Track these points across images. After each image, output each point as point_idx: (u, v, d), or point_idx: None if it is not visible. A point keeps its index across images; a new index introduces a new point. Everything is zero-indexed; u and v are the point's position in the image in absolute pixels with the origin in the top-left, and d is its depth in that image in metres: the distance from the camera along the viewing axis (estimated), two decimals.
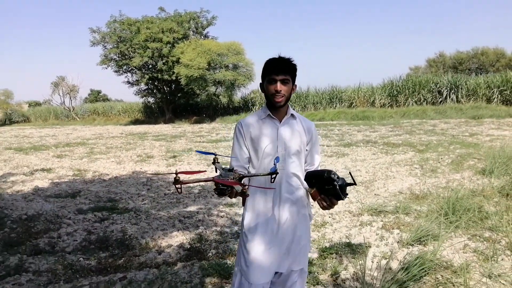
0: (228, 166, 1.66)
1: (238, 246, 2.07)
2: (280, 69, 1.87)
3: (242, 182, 1.60)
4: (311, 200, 1.97)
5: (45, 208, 5.43)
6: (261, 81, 1.98)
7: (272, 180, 1.66)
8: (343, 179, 1.70)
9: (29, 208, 5.40)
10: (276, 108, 1.94)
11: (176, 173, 1.41)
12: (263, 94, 2.02)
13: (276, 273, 2.00)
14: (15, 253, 3.82)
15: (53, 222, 4.82)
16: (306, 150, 2.05)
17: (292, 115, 2.00)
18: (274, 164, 1.67)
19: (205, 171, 1.56)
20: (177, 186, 1.41)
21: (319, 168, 2.08)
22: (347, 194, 1.73)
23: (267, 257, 1.93)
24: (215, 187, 1.54)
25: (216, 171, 1.62)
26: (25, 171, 8.73)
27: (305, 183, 2.00)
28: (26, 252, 3.85)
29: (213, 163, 1.66)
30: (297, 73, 1.95)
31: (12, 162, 10.16)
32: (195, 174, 1.50)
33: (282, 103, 1.90)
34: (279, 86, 1.86)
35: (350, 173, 1.93)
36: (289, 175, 1.95)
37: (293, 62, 1.91)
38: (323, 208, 1.85)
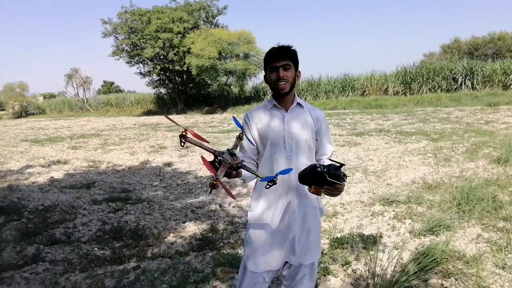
0: (237, 150, 1.65)
1: (245, 233, 2.07)
2: (279, 55, 1.84)
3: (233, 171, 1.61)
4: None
5: (61, 199, 5.55)
6: (264, 74, 1.95)
7: (267, 186, 1.60)
8: (329, 166, 1.64)
9: (45, 199, 5.52)
10: (281, 97, 1.91)
11: (186, 129, 1.51)
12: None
13: (285, 264, 2.00)
14: (32, 243, 3.92)
15: (69, 213, 4.92)
16: (316, 139, 2.00)
17: (299, 104, 1.96)
18: (276, 174, 1.60)
19: (208, 142, 1.57)
20: (182, 139, 1.51)
21: (332, 158, 2.01)
22: (345, 175, 1.67)
23: (270, 246, 1.92)
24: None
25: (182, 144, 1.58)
26: (41, 162, 8.90)
27: None
28: (43, 242, 3.95)
29: (238, 138, 1.67)
30: (299, 60, 1.90)
31: (29, 154, 10.36)
32: (200, 140, 1.54)
33: (287, 90, 1.87)
34: (281, 72, 1.83)
35: (329, 159, 1.80)
36: (298, 165, 1.90)
37: (292, 48, 1.87)
38: (332, 195, 1.74)
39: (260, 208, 1.94)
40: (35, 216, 4.78)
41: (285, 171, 1.65)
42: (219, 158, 1.53)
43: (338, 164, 1.64)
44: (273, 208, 1.92)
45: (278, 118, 1.93)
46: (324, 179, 1.62)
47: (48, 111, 41.65)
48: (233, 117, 1.84)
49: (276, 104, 1.94)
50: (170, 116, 1.57)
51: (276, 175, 1.59)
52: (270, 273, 1.99)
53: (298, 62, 1.90)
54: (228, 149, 1.56)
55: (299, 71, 1.93)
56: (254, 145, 1.95)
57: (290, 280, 2.06)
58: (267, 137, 1.91)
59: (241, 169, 1.67)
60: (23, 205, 5.29)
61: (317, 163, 1.73)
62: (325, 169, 1.61)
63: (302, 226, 1.94)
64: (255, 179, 1.97)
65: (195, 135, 1.53)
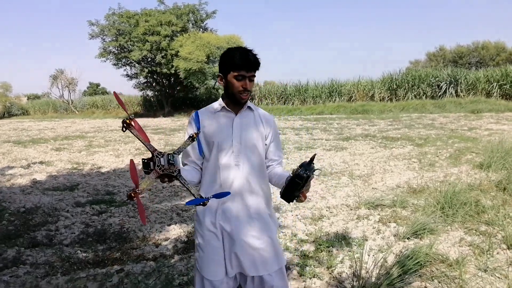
0: (180, 155, 1.48)
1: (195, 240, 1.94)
2: (252, 66, 1.74)
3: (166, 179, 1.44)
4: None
5: (43, 201, 5.44)
6: (220, 73, 1.81)
7: (202, 204, 1.43)
8: (305, 165, 1.59)
9: (27, 201, 5.41)
10: (236, 103, 1.82)
11: (131, 118, 1.40)
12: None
13: (244, 277, 1.86)
14: (13, 245, 3.83)
15: (51, 215, 4.83)
16: (266, 144, 1.91)
17: (249, 107, 1.87)
18: (208, 198, 1.45)
19: (149, 141, 1.48)
20: (124, 126, 1.40)
21: (280, 166, 1.95)
22: (313, 170, 1.61)
23: (221, 254, 1.81)
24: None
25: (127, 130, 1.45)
26: (24, 164, 8.73)
27: (270, 178, 1.90)
28: (24, 245, 3.86)
29: (190, 138, 1.51)
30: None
31: (11, 155, 10.15)
32: (142, 136, 1.41)
33: (246, 100, 1.80)
34: (248, 84, 1.75)
35: (310, 157, 1.70)
36: (244, 171, 1.81)
37: (258, 57, 1.79)
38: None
39: (204, 212, 1.83)
40: (16, 218, 4.68)
41: (221, 195, 1.51)
42: (155, 160, 1.39)
43: (309, 159, 1.62)
44: (218, 213, 1.81)
45: (227, 121, 1.83)
46: (307, 180, 1.60)
47: (31, 112, 40.90)
48: (195, 112, 1.75)
49: (225, 106, 1.84)
50: (121, 100, 1.44)
51: (208, 198, 1.45)
52: (229, 282, 1.85)
53: None
54: (168, 154, 1.41)
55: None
56: (202, 151, 1.78)
57: None
58: (213, 141, 1.81)
59: (181, 170, 1.51)
60: (4, 207, 5.17)
61: (294, 170, 1.61)
62: (307, 171, 1.58)
63: (247, 236, 1.81)
64: (197, 185, 1.87)
65: (139, 128, 1.42)
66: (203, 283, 1.85)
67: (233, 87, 1.77)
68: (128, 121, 1.39)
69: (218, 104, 1.86)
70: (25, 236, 4.11)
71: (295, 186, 1.61)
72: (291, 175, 1.62)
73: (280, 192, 1.70)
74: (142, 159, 1.43)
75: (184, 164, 1.90)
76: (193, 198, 1.46)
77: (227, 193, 1.55)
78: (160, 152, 1.41)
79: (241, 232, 1.80)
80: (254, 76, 1.78)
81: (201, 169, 1.89)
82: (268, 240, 1.85)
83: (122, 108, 1.46)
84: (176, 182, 1.49)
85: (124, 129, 1.41)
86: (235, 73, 1.75)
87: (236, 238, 1.79)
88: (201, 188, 1.86)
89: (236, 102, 1.81)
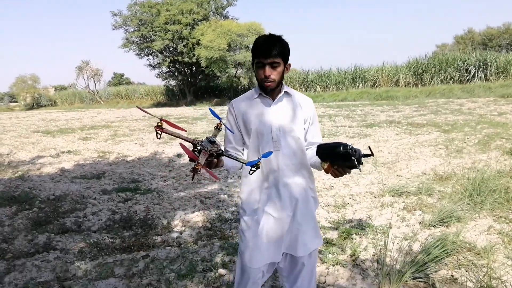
0: (216, 138, 1.57)
1: (239, 227, 2.01)
2: (268, 52, 1.72)
3: (213, 158, 1.55)
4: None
5: (72, 188, 5.61)
6: (251, 61, 1.83)
7: (251, 172, 1.53)
8: (358, 150, 1.61)
9: (56, 189, 5.59)
10: (264, 90, 1.83)
11: (161, 119, 1.45)
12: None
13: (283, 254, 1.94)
14: (44, 231, 3.97)
15: (79, 202, 4.97)
16: (304, 129, 1.92)
17: (286, 92, 1.87)
18: (259, 158, 1.56)
19: (186, 130, 1.53)
20: (157, 131, 1.44)
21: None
22: (362, 163, 1.66)
23: (265, 239, 1.85)
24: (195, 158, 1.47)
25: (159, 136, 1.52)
26: (52, 153, 9.00)
27: (308, 161, 1.90)
28: (54, 231, 4.00)
29: (216, 128, 1.58)
30: (289, 51, 1.79)
31: (40, 145, 10.49)
32: (177, 130, 1.49)
33: (273, 87, 1.79)
34: (267, 71, 1.74)
35: (369, 147, 1.80)
36: (286, 155, 1.84)
37: (282, 42, 1.76)
38: (335, 176, 1.71)
39: (251, 201, 1.88)
40: (46, 206, 4.84)
41: (267, 154, 1.59)
42: (198, 147, 1.47)
43: (369, 153, 1.62)
44: (263, 199, 1.86)
45: (265, 108, 1.85)
46: (348, 161, 1.59)
47: (59, 103, 42.08)
48: (209, 108, 1.77)
49: (262, 93, 1.85)
50: (145, 109, 1.51)
51: (259, 159, 1.54)
52: (268, 266, 1.94)
53: (287, 55, 1.79)
54: (207, 137, 1.50)
55: (289, 64, 1.83)
56: (233, 133, 1.89)
57: (288, 272, 2.00)
58: (251, 128, 1.84)
59: (223, 158, 1.62)
60: (34, 194, 5.36)
61: (345, 143, 1.64)
62: (355, 152, 1.58)
63: (294, 218, 1.87)
64: (241, 169, 1.92)
65: (171, 124, 1.48)
66: (244, 270, 1.91)
67: (257, 75, 1.80)
68: (160, 124, 1.44)
69: (255, 91, 1.88)
70: (55, 222, 4.25)
71: (334, 150, 1.62)
72: (348, 145, 1.62)
73: (321, 145, 1.72)
74: (192, 150, 1.49)
75: (226, 151, 1.93)
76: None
77: (271, 153, 1.62)
78: (199, 141, 1.49)
79: (286, 215, 1.85)
80: (277, 63, 1.75)
81: (243, 154, 1.95)
82: (311, 222, 1.93)
83: (150, 115, 1.55)
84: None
85: (159, 136, 1.46)
86: (256, 61, 1.78)
87: (282, 221, 1.85)
88: (243, 174, 1.93)
89: (264, 89, 1.82)
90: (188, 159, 1.47)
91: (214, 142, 1.50)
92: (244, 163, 1.57)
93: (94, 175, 6.62)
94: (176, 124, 1.50)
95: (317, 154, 1.69)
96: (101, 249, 3.53)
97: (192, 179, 1.53)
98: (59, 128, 15.01)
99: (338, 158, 1.61)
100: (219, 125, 1.57)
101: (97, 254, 3.43)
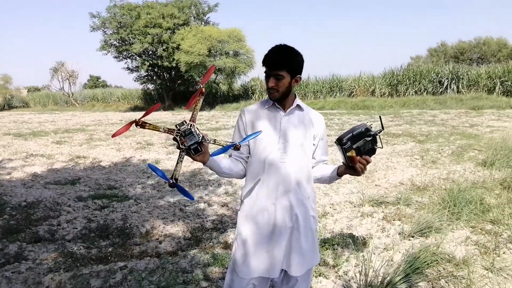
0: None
1: (235, 235, 1.98)
2: (272, 64, 1.74)
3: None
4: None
5: (45, 195, 5.41)
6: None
7: (234, 148, 1.58)
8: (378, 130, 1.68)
9: (28, 195, 5.38)
10: (272, 100, 1.84)
11: (137, 120, 1.46)
12: (263, 82, 1.94)
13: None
14: (15, 240, 3.80)
15: (53, 210, 4.80)
16: (314, 145, 1.91)
17: (298, 105, 1.87)
18: (237, 142, 1.59)
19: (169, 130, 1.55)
20: (138, 127, 1.46)
21: (328, 165, 1.96)
22: (381, 147, 1.73)
23: (258, 254, 1.82)
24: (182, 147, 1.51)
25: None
26: (24, 157, 8.69)
27: (311, 180, 1.89)
28: (26, 240, 3.83)
29: (234, 148, 1.60)
30: (299, 64, 1.78)
31: (11, 148, 10.10)
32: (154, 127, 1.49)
33: (276, 98, 1.80)
34: (271, 82, 1.75)
35: (380, 117, 1.83)
36: (290, 169, 1.81)
37: (290, 55, 1.75)
38: (360, 172, 1.72)
39: (249, 212, 1.85)
40: (18, 213, 4.65)
41: (252, 135, 1.64)
42: (180, 129, 1.48)
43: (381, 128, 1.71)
44: (264, 209, 1.82)
45: (275, 118, 1.85)
46: (369, 141, 1.65)
47: (32, 104, 40.76)
48: (149, 164, 1.70)
49: (276, 104, 1.85)
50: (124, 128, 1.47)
51: (239, 143, 1.57)
52: (260, 280, 1.88)
53: (296, 68, 1.78)
54: (182, 131, 1.49)
55: (299, 76, 1.82)
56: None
57: (283, 286, 1.97)
58: (261, 136, 1.80)
59: (211, 158, 1.62)
60: (5, 200, 5.14)
61: (365, 124, 1.69)
62: (377, 132, 1.65)
63: (291, 235, 1.84)
64: (226, 177, 1.92)
65: (145, 114, 1.50)
66: (234, 280, 1.87)
67: (265, 83, 1.81)
68: (138, 121, 1.46)
69: (268, 101, 1.87)
70: (27, 231, 4.08)
71: (355, 136, 1.67)
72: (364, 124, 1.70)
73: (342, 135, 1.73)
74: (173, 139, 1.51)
75: (229, 156, 1.93)
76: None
77: (258, 132, 1.65)
78: (178, 131, 1.49)
79: (286, 231, 1.82)
80: (281, 75, 1.75)
81: (245, 161, 1.91)
82: (310, 239, 1.90)
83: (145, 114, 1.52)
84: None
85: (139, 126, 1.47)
86: (264, 71, 1.79)
87: (282, 237, 1.82)
88: (245, 182, 1.91)
89: (270, 98, 1.83)
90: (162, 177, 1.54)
91: (191, 134, 1.49)
92: (223, 146, 1.56)
93: (68, 180, 6.42)
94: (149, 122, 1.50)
95: (340, 145, 1.68)
96: (76, 260, 3.40)
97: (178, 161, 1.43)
98: (31, 131, 14.52)
99: (367, 144, 1.65)
100: (238, 146, 1.58)
101: (72, 265, 3.31)
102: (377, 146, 1.69)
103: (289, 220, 1.82)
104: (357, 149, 1.67)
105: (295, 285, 1.93)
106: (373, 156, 1.76)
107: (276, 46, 1.78)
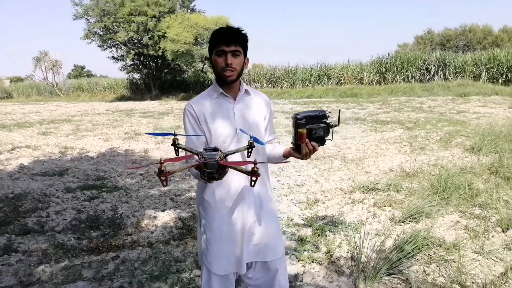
0: (211, 146, 1.52)
1: (198, 232, 1.90)
2: (230, 39, 1.65)
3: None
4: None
5: (32, 186, 5.32)
6: (208, 55, 1.75)
7: (249, 154, 1.50)
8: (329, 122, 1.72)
9: (15, 187, 5.28)
10: (227, 85, 1.74)
11: (161, 162, 1.25)
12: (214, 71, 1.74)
13: (251, 264, 1.86)
14: (3, 232, 3.74)
15: (41, 201, 4.72)
16: (263, 126, 1.88)
17: (246, 90, 1.80)
18: (249, 141, 1.49)
19: (192, 154, 1.43)
20: (162, 178, 1.23)
21: (274, 145, 1.94)
22: (330, 139, 1.77)
23: (227, 245, 1.77)
24: (202, 172, 1.34)
25: (177, 153, 1.43)
26: (9, 148, 8.52)
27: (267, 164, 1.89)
28: (15, 232, 3.77)
29: (173, 145, 1.43)
30: (248, 45, 1.73)
31: None
32: (181, 161, 1.39)
33: (234, 78, 1.70)
34: (229, 58, 1.65)
35: (339, 111, 1.87)
36: (252, 157, 1.74)
37: (243, 33, 1.70)
38: (305, 155, 1.67)
39: (211, 198, 1.77)
40: (5, 205, 4.56)
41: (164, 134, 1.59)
42: (204, 157, 1.35)
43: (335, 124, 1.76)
44: (226, 198, 1.76)
45: (227, 108, 1.76)
46: (321, 128, 1.70)
47: (15, 95, 39.89)
48: (146, 133, 1.66)
49: (224, 92, 1.75)
50: (155, 132, 1.37)
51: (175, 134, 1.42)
52: (236, 275, 1.88)
53: (247, 49, 1.74)
54: (205, 149, 1.41)
55: (247, 58, 1.77)
56: (203, 137, 1.76)
57: (260, 281, 1.90)
58: (216, 129, 1.74)
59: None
60: None
61: (324, 110, 1.72)
62: (331, 123, 1.71)
63: (259, 218, 1.80)
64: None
65: (174, 159, 1.36)
66: (211, 278, 1.82)
67: (216, 64, 1.70)
68: (161, 169, 1.28)
69: (214, 90, 1.78)
70: (16, 223, 4.01)
71: (312, 118, 1.70)
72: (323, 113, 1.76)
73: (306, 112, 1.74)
74: (201, 176, 1.38)
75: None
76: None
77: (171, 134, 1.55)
78: (199, 157, 1.38)
79: (253, 219, 1.79)
80: (238, 51, 1.69)
81: None
82: (275, 225, 1.90)
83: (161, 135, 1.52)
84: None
85: (165, 184, 1.33)
86: (216, 49, 1.68)
87: (249, 225, 1.78)
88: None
89: (223, 82, 1.74)
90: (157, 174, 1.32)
91: (217, 149, 1.41)
92: (243, 149, 1.51)
93: (56, 172, 6.32)
94: (177, 157, 1.41)
95: (295, 119, 1.68)
96: (67, 251, 3.36)
97: (166, 185, 1.30)
98: (16, 122, 14.23)
99: (319, 130, 1.68)
100: (175, 140, 1.42)
101: (63, 256, 3.27)
102: (327, 137, 1.73)
103: (253, 205, 1.79)
104: (309, 130, 1.67)
105: (274, 278, 1.89)
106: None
107: (223, 27, 1.73)
